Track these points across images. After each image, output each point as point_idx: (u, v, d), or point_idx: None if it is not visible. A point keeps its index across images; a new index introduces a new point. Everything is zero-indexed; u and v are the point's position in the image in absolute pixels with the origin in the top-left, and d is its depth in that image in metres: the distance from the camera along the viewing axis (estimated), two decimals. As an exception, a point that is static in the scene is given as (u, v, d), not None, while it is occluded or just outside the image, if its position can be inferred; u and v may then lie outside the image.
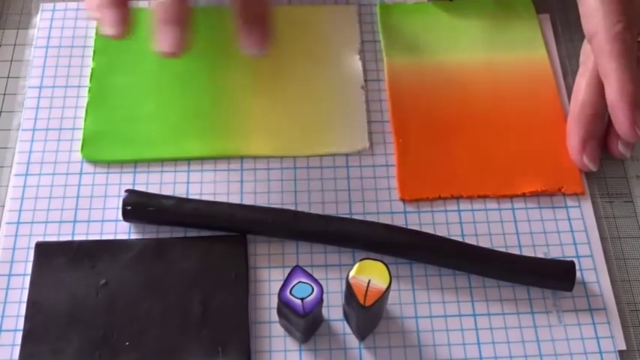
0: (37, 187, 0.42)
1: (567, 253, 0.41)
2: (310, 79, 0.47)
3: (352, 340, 0.39)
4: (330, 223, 0.40)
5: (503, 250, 0.41)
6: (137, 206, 0.40)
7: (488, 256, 0.40)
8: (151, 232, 0.41)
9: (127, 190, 0.41)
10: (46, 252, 0.40)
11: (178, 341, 0.38)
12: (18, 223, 0.41)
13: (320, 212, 0.42)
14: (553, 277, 0.39)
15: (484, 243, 0.41)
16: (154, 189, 0.42)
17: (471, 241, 0.41)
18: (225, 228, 0.41)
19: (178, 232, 0.41)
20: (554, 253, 0.41)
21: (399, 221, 0.42)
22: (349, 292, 0.35)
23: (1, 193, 0.42)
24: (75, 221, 0.41)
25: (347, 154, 0.44)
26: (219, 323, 0.38)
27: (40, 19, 0.48)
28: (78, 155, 0.44)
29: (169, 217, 0.40)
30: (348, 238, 0.40)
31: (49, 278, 0.39)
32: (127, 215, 0.40)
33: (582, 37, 0.44)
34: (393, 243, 0.40)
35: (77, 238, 0.41)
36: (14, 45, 0.48)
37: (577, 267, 0.40)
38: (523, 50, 0.48)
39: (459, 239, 0.41)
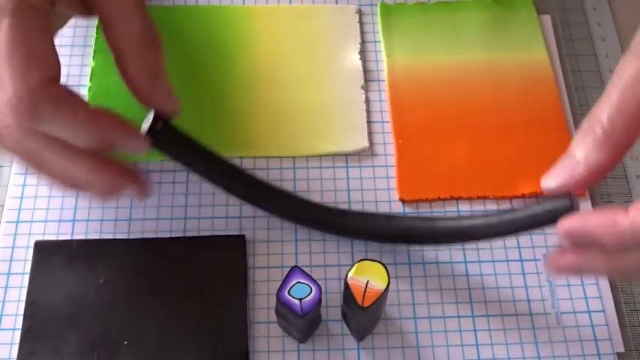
0: (37, 186, 0.42)
1: (566, 255, 0.41)
2: (310, 78, 0.47)
3: (350, 341, 0.39)
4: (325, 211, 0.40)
5: (502, 252, 0.41)
6: (168, 129, 0.38)
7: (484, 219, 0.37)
8: (150, 232, 0.41)
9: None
10: (45, 251, 0.40)
11: (176, 341, 0.38)
12: (17, 221, 0.41)
13: (319, 212, 0.42)
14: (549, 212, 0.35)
15: (483, 244, 0.41)
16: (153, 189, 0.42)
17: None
18: (228, 188, 0.39)
19: (177, 232, 0.41)
20: (554, 255, 0.41)
21: (398, 222, 0.42)
22: (348, 293, 0.35)
23: (1, 192, 0.43)
24: (74, 220, 0.41)
25: (347, 155, 0.44)
26: (217, 323, 0.38)
27: (41, 18, 0.48)
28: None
29: (196, 157, 0.38)
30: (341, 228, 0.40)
31: (48, 277, 0.39)
32: (156, 136, 0.37)
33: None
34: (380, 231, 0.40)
35: (76, 237, 0.41)
36: (14, 44, 0.48)
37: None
38: (523, 50, 0.48)
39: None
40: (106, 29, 0.37)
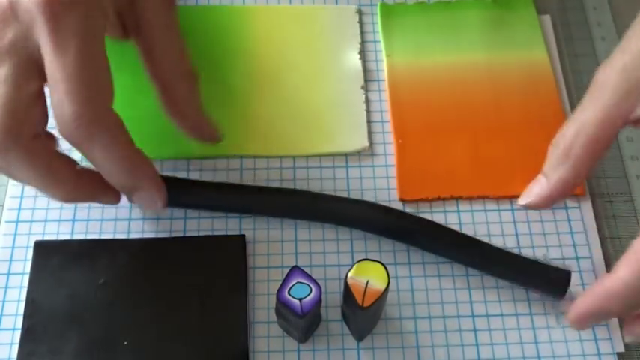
0: (37, 186, 0.42)
1: (566, 255, 0.41)
2: (310, 79, 0.47)
3: (350, 341, 0.39)
4: (327, 202, 0.41)
5: (502, 251, 0.41)
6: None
7: (485, 249, 0.40)
8: (150, 232, 0.41)
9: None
10: (45, 251, 0.40)
11: (176, 341, 0.38)
12: (17, 221, 0.41)
13: (319, 212, 0.42)
14: (547, 283, 0.39)
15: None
16: (153, 188, 0.42)
17: (469, 241, 0.41)
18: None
19: (177, 232, 0.41)
20: (553, 254, 0.41)
21: (398, 222, 0.42)
22: (347, 293, 0.35)
23: (1, 192, 0.43)
24: (74, 220, 0.41)
25: (347, 154, 0.44)
26: (217, 323, 0.38)
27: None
28: (77, 154, 0.43)
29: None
30: (343, 218, 0.41)
31: (48, 277, 0.39)
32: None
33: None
34: (391, 227, 0.40)
35: (76, 237, 0.41)
36: (14, 44, 0.48)
37: (576, 268, 0.40)
38: (523, 50, 0.48)
39: (458, 240, 0.41)
40: (150, 57, 0.37)
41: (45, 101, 0.34)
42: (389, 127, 0.45)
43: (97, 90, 0.33)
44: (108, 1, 0.35)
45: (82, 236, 0.41)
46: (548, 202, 0.37)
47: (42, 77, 0.33)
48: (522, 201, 0.38)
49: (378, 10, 0.49)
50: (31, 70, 0.33)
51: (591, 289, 0.34)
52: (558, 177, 0.36)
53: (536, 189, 0.37)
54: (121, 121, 0.35)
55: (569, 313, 0.36)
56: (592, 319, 0.35)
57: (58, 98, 0.33)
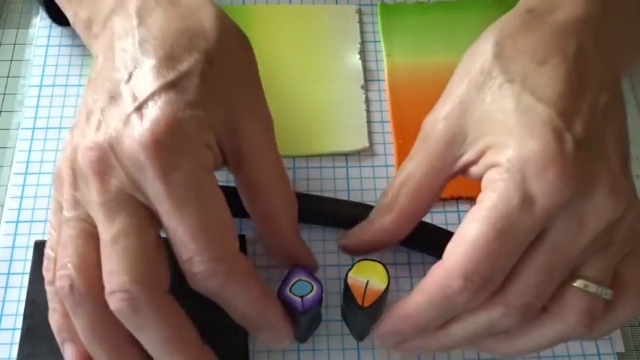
0: (37, 186, 0.42)
1: (566, 255, 0.41)
2: (310, 78, 0.47)
3: (350, 341, 0.39)
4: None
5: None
6: None
7: None
8: (150, 232, 0.41)
9: None
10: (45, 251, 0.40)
11: (177, 341, 0.37)
12: (17, 221, 0.41)
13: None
14: None
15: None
16: (153, 188, 0.42)
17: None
18: None
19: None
20: (554, 254, 0.41)
21: (398, 222, 0.42)
22: (347, 293, 0.35)
23: (1, 192, 0.43)
24: (74, 220, 0.41)
25: (346, 154, 0.44)
26: (217, 323, 0.38)
27: (41, 19, 0.48)
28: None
29: None
30: (341, 221, 0.41)
31: (48, 277, 0.39)
32: None
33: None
34: None
35: (76, 237, 0.41)
36: (14, 44, 0.48)
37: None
38: (523, 51, 0.48)
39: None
40: (252, 194, 0.35)
41: (164, 249, 0.32)
42: (389, 127, 0.45)
43: (225, 241, 0.32)
44: (211, 135, 0.32)
45: (82, 236, 0.41)
46: (368, 248, 0.36)
47: (157, 224, 0.31)
48: (341, 241, 0.37)
49: (378, 10, 0.49)
50: (146, 219, 0.31)
51: (393, 310, 0.33)
52: (381, 226, 0.35)
53: (359, 233, 0.36)
54: (248, 261, 0.33)
55: (377, 330, 0.34)
56: (397, 338, 0.34)
57: (186, 257, 0.31)
